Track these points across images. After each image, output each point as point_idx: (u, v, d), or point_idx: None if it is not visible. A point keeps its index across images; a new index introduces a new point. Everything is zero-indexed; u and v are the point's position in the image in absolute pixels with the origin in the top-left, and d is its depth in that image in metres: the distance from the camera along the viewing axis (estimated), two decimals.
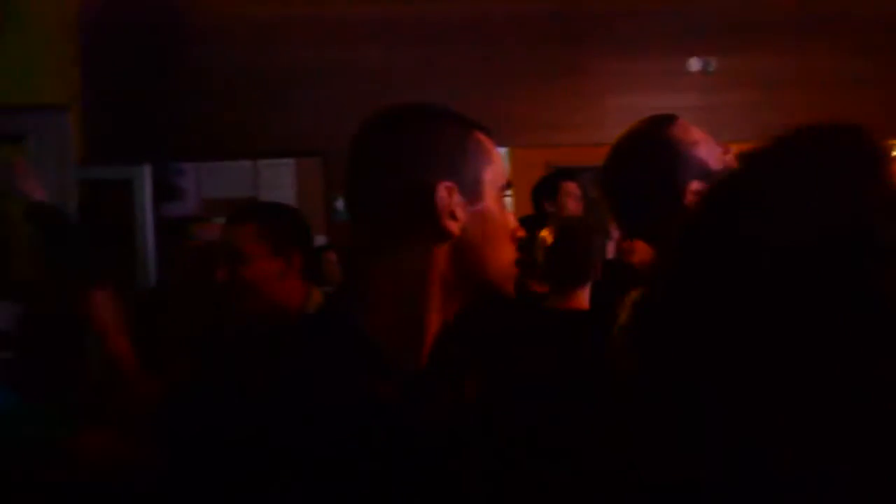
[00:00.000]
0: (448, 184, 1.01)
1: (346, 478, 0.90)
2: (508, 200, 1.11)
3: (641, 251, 2.58)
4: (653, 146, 1.46)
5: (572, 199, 3.93)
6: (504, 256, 1.08)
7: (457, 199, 1.02)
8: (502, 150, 5.90)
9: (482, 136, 1.08)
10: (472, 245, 1.03)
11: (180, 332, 2.73)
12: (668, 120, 1.51)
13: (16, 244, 3.89)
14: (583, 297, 2.63)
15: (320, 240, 4.74)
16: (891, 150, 0.69)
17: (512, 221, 1.09)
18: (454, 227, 1.01)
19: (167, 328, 2.79)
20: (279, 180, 5.08)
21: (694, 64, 5.38)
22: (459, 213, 1.02)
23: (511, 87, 5.29)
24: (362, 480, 0.91)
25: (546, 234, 2.70)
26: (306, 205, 5.00)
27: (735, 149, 1.46)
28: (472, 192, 1.04)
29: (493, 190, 1.06)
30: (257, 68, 5.08)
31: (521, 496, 0.97)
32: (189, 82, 5.01)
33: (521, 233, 1.11)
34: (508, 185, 1.09)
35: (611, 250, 3.50)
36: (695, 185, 1.40)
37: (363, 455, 0.92)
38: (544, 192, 3.96)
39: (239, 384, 1.00)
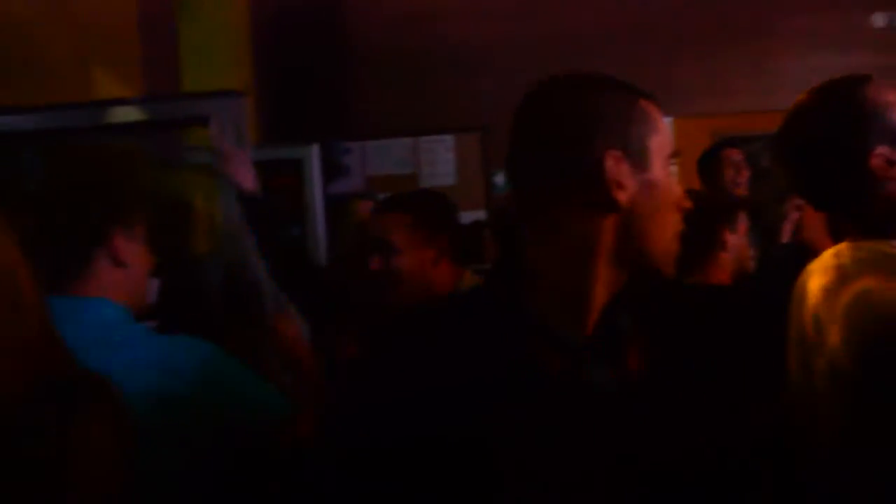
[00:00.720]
0: (615, 153, 0.99)
1: (517, 449, 0.91)
2: (674, 170, 1.07)
3: (812, 226, 2.41)
4: (841, 105, 1.35)
5: (732, 167, 3.74)
6: (669, 228, 1.05)
7: (624, 168, 0.99)
8: (667, 120, 5.71)
9: (648, 104, 1.05)
10: (639, 216, 1.01)
11: (344, 310, 2.84)
12: (861, 79, 1.39)
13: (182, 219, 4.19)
14: (719, 271, 2.49)
15: (479, 215, 4.79)
16: None
17: (678, 192, 1.06)
18: (623, 197, 0.99)
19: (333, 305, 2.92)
20: (439, 156, 5.16)
21: (879, 19, 4.95)
22: (627, 182, 0.99)
23: (676, 52, 5.08)
24: (533, 451, 0.91)
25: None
26: (465, 180, 5.07)
27: None
28: (640, 160, 1.01)
29: (660, 159, 1.03)
30: (418, 46, 5.17)
31: (686, 465, 0.95)
32: (354, 64, 5.18)
33: (688, 204, 1.07)
34: (675, 154, 1.05)
35: (787, 232, 3.30)
36: (882, 150, 1.29)
37: (535, 426, 0.92)
38: (705, 163, 3.79)
39: (407, 362, 1.02)
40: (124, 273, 1.54)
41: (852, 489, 1.16)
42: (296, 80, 5.00)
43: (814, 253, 1.37)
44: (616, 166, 0.99)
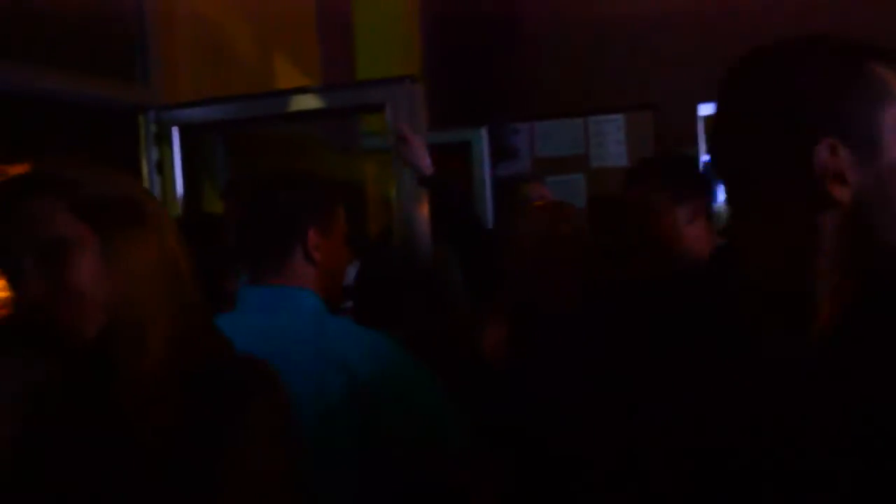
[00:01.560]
0: (831, 141, 0.83)
1: (758, 431, 0.82)
2: None
3: None
4: None
5: None
6: None
7: (844, 157, 0.83)
8: None
9: (877, 67, 0.86)
10: (869, 212, 0.83)
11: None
12: None
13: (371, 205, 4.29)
14: None
15: None
16: None
17: None
18: (842, 193, 0.83)
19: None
20: (609, 136, 5.01)
21: None
22: (849, 175, 0.83)
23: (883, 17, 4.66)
24: (777, 436, 0.82)
25: None
26: (637, 160, 4.89)
27: None
28: (866, 146, 0.83)
29: None
30: (587, 24, 5.04)
31: None
32: (522, 44, 5.12)
33: None
34: None
35: None
36: None
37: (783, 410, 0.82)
38: None
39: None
40: (318, 268, 1.62)
41: None
42: (464, 62, 5.01)
43: None
44: (831, 157, 0.83)
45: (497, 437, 1.81)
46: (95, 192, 1.01)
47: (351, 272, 3.06)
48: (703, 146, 5.38)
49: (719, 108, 0.96)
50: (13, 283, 0.99)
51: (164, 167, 3.12)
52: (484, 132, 4.62)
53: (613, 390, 1.70)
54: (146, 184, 3.11)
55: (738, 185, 0.94)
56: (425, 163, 2.65)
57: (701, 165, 5.20)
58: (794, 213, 0.86)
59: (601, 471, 1.57)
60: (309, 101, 3.02)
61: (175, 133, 3.10)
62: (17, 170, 1.05)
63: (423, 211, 2.88)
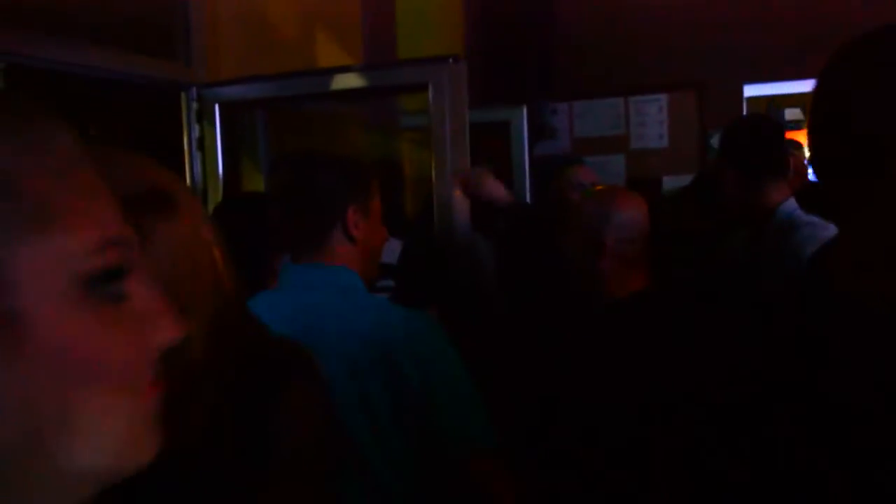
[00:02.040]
0: None
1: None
2: None
3: None
4: None
5: None
6: None
7: None
8: None
9: None
10: None
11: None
12: None
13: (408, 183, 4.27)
14: None
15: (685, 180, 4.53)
16: None
17: None
18: None
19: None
20: (650, 117, 4.93)
21: None
22: None
23: None
24: None
25: None
26: (678, 142, 4.83)
27: None
28: None
29: None
30: (628, 2, 4.94)
31: None
32: (563, 22, 5.03)
33: None
34: None
35: None
36: None
37: None
38: None
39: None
40: (357, 246, 1.62)
41: None
42: (505, 41, 4.94)
43: None
44: None
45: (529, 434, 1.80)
46: (128, 185, 0.99)
47: (393, 250, 3.05)
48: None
49: (815, 101, 0.91)
50: None
51: (205, 144, 3.13)
52: (523, 111, 4.57)
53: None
54: (187, 160, 3.12)
55: (833, 190, 0.86)
56: (501, 194, 2.68)
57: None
58: (868, 218, 0.80)
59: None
60: (351, 80, 3.00)
61: (216, 110, 3.10)
62: None
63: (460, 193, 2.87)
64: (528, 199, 4.72)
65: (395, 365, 1.52)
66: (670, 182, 4.73)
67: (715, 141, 4.89)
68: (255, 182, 3.29)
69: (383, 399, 1.53)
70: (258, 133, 3.42)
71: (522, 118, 4.66)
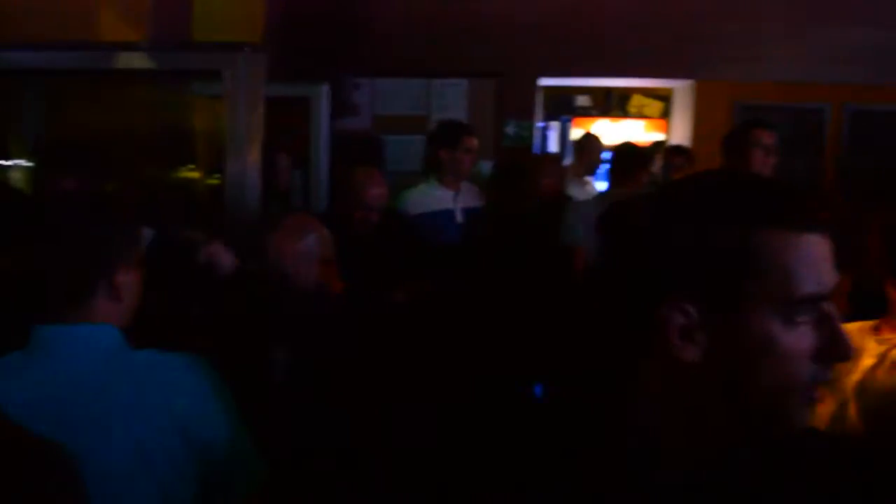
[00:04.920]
0: (684, 301, 0.85)
1: None
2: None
3: None
4: None
5: (761, 150, 3.45)
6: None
7: (697, 318, 0.84)
8: (684, 84, 5.53)
9: (763, 236, 0.82)
10: (724, 372, 0.87)
11: None
12: None
13: None
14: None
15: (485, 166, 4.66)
16: None
17: None
18: (692, 352, 0.86)
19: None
20: (451, 101, 5.00)
21: None
22: (698, 336, 0.85)
23: (703, 16, 4.86)
24: None
25: None
26: (477, 127, 4.92)
27: None
28: (724, 310, 0.84)
29: None
30: None
31: None
32: (369, 1, 4.93)
33: None
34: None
35: None
36: None
37: None
38: (732, 142, 3.51)
39: None
40: (123, 303, 1.53)
41: None
42: (308, 15, 4.76)
43: None
44: (683, 318, 0.85)
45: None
46: None
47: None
48: (540, 117, 5.51)
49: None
50: None
51: None
52: (325, 88, 4.47)
53: None
54: None
55: None
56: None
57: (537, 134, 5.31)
58: (653, 368, 0.88)
59: None
60: (135, 60, 2.78)
61: None
62: None
63: (254, 161, 2.80)
64: (326, 174, 4.66)
65: (167, 423, 1.47)
66: None
67: (510, 128, 5.06)
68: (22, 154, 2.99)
69: (160, 458, 1.47)
70: (28, 102, 3.10)
71: (324, 94, 4.56)
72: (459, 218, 3.51)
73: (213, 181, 3.74)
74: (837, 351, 0.84)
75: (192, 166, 4.08)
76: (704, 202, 0.86)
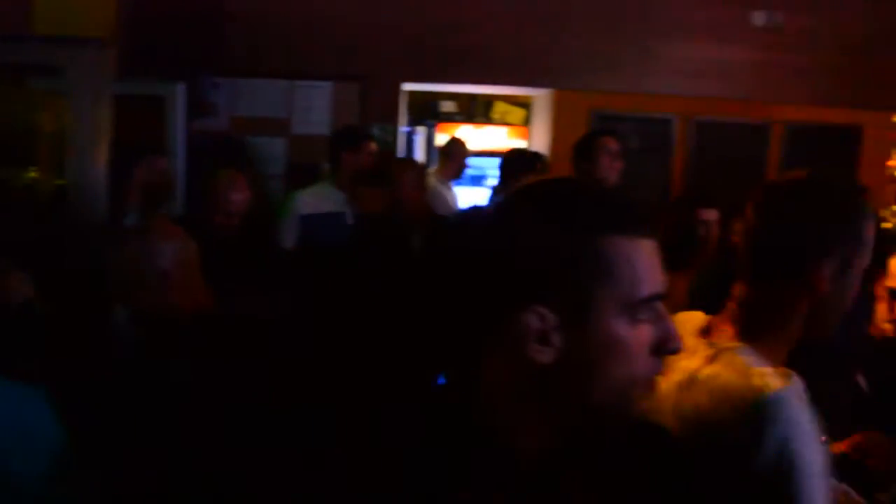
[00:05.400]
0: (539, 306, 0.88)
1: None
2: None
3: None
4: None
5: (608, 156, 3.60)
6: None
7: (551, 322, 0.89)
8: (544, 93, 5.71)
9: (609, 243, 0.88)
10: (573, 374, 0.93)
11: None
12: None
13: None
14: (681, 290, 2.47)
15: None
16: None
17: None
18: (546, 354, 0.90)
19: None
20: (314, 103, 4.92)
21: (759, 17, 5.09)
22: (553, 339, 0.89)
23: (560, 27, 5.03)
24: None
25: None
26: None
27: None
28: (575, 314, 0.90)
29: None
30: None
31: None
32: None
33: None
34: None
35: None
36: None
37: None
38: (581, 149, 3.66)
39: None
40: None
41: None
42: (164, 11, 4.58)
43: None
44: (539, 322, 0.89)
45: None
46: None
47: None
48: (404, 121, 5.52)
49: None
50: None
51: None
52: (181, 87, 4.31)
53: None
54: None
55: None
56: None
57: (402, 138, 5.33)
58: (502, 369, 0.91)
59: None
60: None
61: None
62: None
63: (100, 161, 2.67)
64: (182, 175, 4.49)
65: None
66: None
67: (375, 132, 5.03)
68: None
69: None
70: None
71: (180, 93, 4.40)
72: (350, 220, 3.51)
73: (61, 182, 3.53)
74: (670, 345, 0.91)
75: (35, 167, 3.84)
76: (556, 211, 0.90)
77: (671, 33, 5.09)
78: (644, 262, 0.88)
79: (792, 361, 1.34)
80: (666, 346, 0.90)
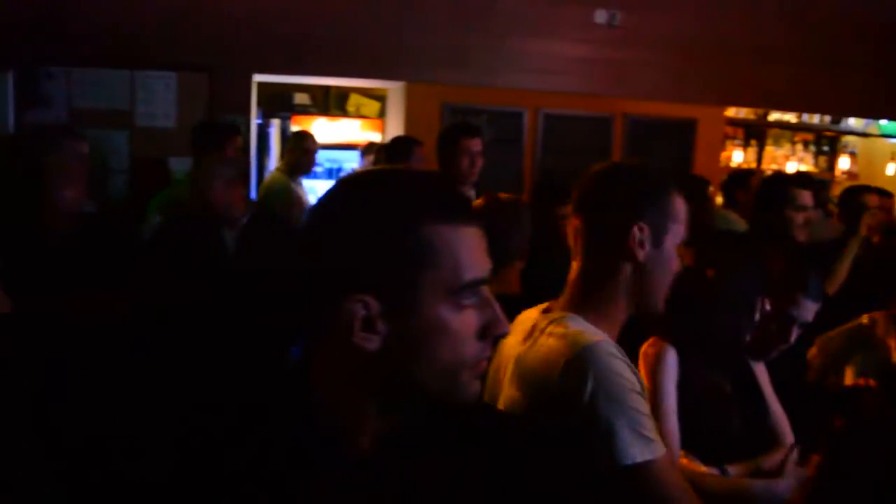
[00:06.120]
0: (362, 294, 0.90)
1: None
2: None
3: None
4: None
5: (468, 157, 3.59)
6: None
7: (375, 310, 0.92)
8: (398, 85, 5.72)
9: (427, 229, 0.91)
10: (400, 358, 0.96)
11: None
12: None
13: None
14: (513, 278, 2.56)
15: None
16: None
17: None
18: (371, 341, 0.93)
19: None
20: (158, 94, 4.72)
21: (600, 15, 5.31)
22: (379, 325, 0.92)
23: (411, 19, 5.07)
24: None
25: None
26: (188, 124, 4.73)
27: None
28: (399, 302, 0.94)
29: None
30: None
31: None
32: None
33: None
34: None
35: None
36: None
37: None
38: (441, 148, 3.70)
39: None
40: None
41: None
42: None
43: None
44: (362, 311, 0.91)
45: None
46: None
47: None
48: (255, 113, 5.39)
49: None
50: None
51: None
52: (9, 77, 4.03)
53: None
54: None
55: None
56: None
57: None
58: (332, 357, 0.92)
59: None
60: None
61: None
62: None
63: None
64: None
65: None
66: (177, 163, 4.60)
67: None
68: None
69: None
70: None
71: (9, 83, 4.11)
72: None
73: None
74: (497, 328, 0.94)
75: None
76: (378, 200, 0.91)
77: (518, 30, 5.24)
78: (467, 249, 0.91)
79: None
80: (493, 330, 0.93)
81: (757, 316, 1.79)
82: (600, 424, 1.24)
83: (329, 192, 0.95)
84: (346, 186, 0.95)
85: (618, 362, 1.29)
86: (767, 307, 1.82)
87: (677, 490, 1.26)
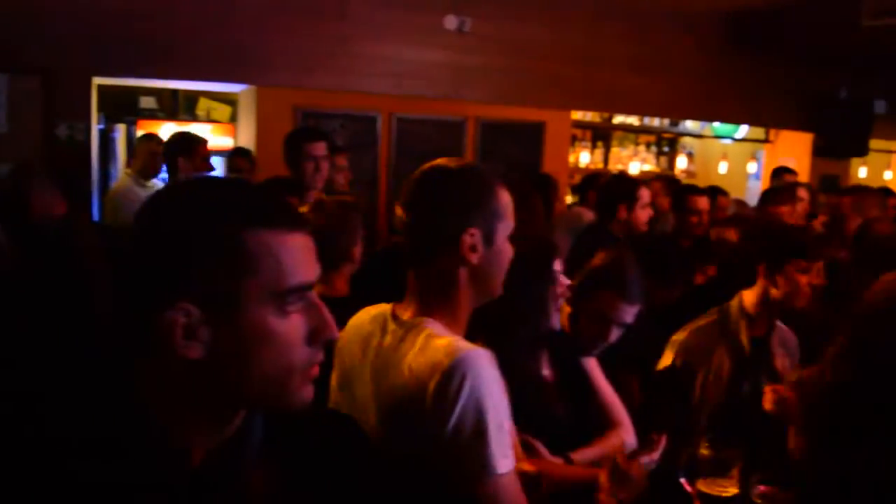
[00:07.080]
0: (185, 303, 0.90)
1: None
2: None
3: None
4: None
5: (312, 162, 3.62)
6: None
7: (197, 317, 0.91)
8: (249, 89, 5.61)
9: (253, 237, 0.90)
10: (224, 365, 0.95)
11: None
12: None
13: None
14: (341, 281, 2.62)
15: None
16: None
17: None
18: (194, 349, 0.92)
19: None
20: None
21: (450, 21, 5.41)
22: (201, 333, 0.91)
23: (260, 22, 4.99)
24: None
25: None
26: (20, 128, 4.48)
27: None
28: (223, 309, 0.93)
29: None
30: None
31: None
32: None
33: None
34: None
35: None
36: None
37: None
38: (288, 152, 3.67)
39: None
40: None
41: None
42: None
43: None
44: (184, 318, 0.90)
45: None
46: None
47: None
48: (96, 118, 5.14)
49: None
50: None
51: None
52: None
53: None
54: None
55: None
56: None
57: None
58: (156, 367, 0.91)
59: None
60: None
61: None
62: None
63: None
64: None
65: None
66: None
67: (62, 130, 4.64)
68: None
69: None
70: None
71: None
72: None
73: None
74: (325, 333, 0.94)
75: None
76: (197, 207, 0.91)
77: (370, 34, 5.26)
78: (290, 254, 0.91)
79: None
80: (321, 335, 0.93)
81: (553, 307, 1.91)
82: (470, 433, 1.27)
83: (147, 203, 0.94)
84: (163, 196, 0.94)
85: (492, 372, 1.32)
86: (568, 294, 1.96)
87: (523, 502, 1.33)
